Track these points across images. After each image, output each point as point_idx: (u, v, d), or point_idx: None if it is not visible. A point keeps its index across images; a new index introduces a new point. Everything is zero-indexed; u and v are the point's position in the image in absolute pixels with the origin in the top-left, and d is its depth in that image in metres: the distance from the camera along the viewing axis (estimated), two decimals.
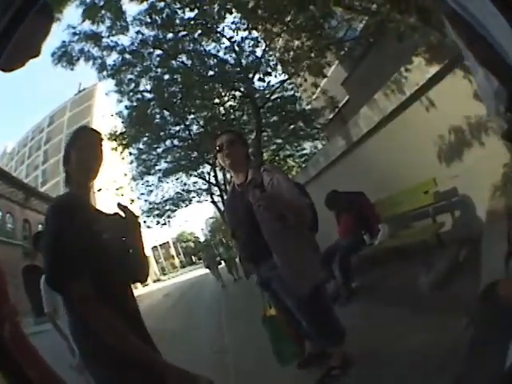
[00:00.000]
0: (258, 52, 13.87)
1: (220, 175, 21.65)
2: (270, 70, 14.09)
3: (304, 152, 21.30)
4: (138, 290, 36.32)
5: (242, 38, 13.71)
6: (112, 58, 13.03)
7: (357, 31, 11.24)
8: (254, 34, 13.48)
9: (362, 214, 7.23)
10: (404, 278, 5.56)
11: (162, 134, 18.11)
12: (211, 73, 13.83)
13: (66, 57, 11.84)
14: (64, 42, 11.78)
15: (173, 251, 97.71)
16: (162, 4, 11.46)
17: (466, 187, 5.97)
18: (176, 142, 19.45)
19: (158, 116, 16.69)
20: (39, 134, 61.18)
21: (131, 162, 22.13)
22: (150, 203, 23.68)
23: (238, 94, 14.75)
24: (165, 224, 23.92)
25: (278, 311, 3.69)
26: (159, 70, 13.73)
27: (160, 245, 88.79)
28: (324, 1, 7.92)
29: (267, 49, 13.61)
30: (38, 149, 58.77)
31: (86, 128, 2.35)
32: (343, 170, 9.99)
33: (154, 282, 55.89)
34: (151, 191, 23.18)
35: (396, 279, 5.99)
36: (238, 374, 4.74)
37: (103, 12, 11.10)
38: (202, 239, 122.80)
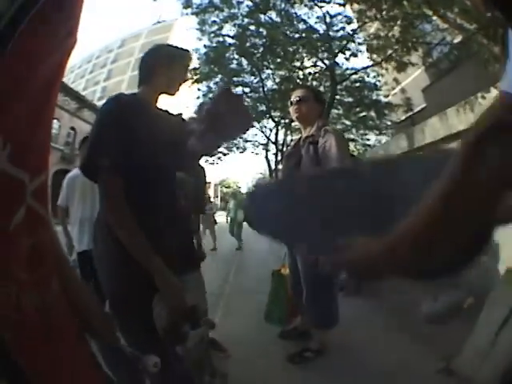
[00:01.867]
0: (348, 30, 13.52)
1: (281, 135, 21.64)
2: (356, 52, 13.76)
3: (367, 142, 21.02)
4: None
5: (335, 13, 13.39)
6: None
7: (448, 46, 10.93)
8: (348, 12, 13.20)
9: None
10: (411, 295, 5.56)
11: (234, 79, 18.14)
12: (297, 36, 13.61)
13: None
14: None
15: (211, 192, 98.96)
16: None
17: (501, 236, 5.79)
18: (247, 90, 19.37)
19: (235, 62, 16.71)
20: (107, 53, 62.00)
21: (197, 98, 22.38)
22: None
23: (319, 63, 14.53)
24: (212, 164, 24.16)
25: (290, 273, 3.78)
26: (246, 19, 13.55)
27: None
28: (418, 1, 7.71)
29: (358, 30, 13.27)
30: (103, 66, 59.72)
31: (188, 52, 2.28)
32: None
33: None
34: None
35: (404, 293, 5.99)
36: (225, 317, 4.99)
37: None
38: (244, 190, 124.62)
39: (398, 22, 9.78)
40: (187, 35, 20.82)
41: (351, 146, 22.10)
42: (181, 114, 2.29)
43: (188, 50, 2.29)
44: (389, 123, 18.43)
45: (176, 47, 2.26)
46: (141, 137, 1.85)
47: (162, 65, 2.12)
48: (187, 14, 13.44)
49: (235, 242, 12.99)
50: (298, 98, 3.48)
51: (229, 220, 14.01)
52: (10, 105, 0.86)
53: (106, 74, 58.48)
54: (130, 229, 1.77)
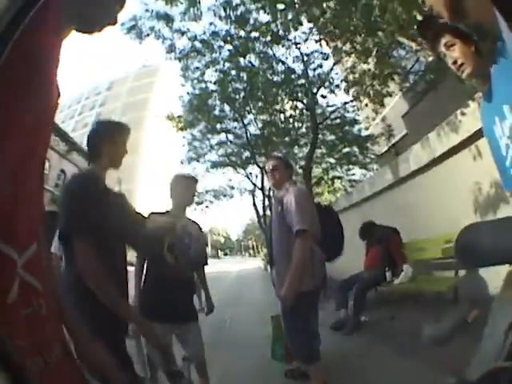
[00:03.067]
0: (326, 67, 13.83)
1: (267, 180, 21.78)
2: (334, 88, 14.06)
3: (353, 177, 21.25)
4: None
5: (311, 50, 13.78)
6: (181, 43, 13.13)
7: (423, 66, 11.22)
8: (324, 49, 13.46)
9: (390, 250, 7.25)
10: (410, 323, 5.55)
11: (218, 126, 18.38)
12: (277, 78, 13.75)
13: (135, 30, 11.81)
14: (135, 15, 11.80)
15: None
16: (237, 0, 11.37)
17: None
18: (231, 137, 19.72)
19: (217, 108, 16.82)
20: (95, 95, 63.14)
21: (183, 146, 22.55)
22: None
23: (299, 105, 14.75)
24: (202, 211, 24.25)
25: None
26: (227, 64, 13.69)
27: None
28: (391, 29, 7.95)
29: (335, 66, 13.55)
30: (92, 109, 60.74)
31: (125, 126, 2.78)
32: (385, 203, 9.98)
33: None
34: None
35: (403, 323, 5.99)
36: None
37: None
38: (233, 238, 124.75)
39: (373, 53, 10.02)
40: (171, 81, 21.28)
41: (337, 183, 22.33)
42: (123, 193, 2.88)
43: (125, 125, 2.81)
44: (372, 156, 18.67)
45: (115, 123, 2.81)
46: (103, 210, 2.27)
47: (103, 145, 2.61)
48: (171, 58, 13.46)
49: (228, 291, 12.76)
50: (270, 168, 4.02)
51: None
52: None
53: (94, 116, 59.37)
54: (105, 286, 2.16)
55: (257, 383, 4.43)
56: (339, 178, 21.88)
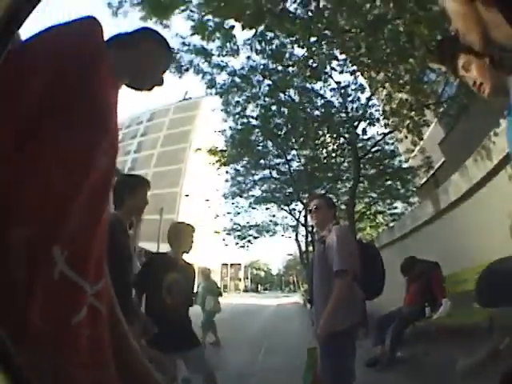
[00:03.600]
0: (363, 99, 13.89)
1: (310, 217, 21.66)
2: (373, 120, 14.10)
3: (395, 211, 20.97)
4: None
5: (348, 82, 13.81)
6: (221, 77, 13.15)
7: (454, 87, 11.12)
8: (360, 80, 13.59)
9: (431, 286, 7.15)
10: (444, 359, 5.46)
11: (261, 162, 18.62)
12: (317, 113, 13.94)
13: (174, 64, 11.75)
14: (173, 48, 11.74)
15: (241, 274, 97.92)
16: (271, 34, 11.32)
17: None
18: (274, 173, 19.80)
19: (260, 144, 17.03)
20: (137, 125, 64.38)
21: (226, 181, 22.78)
22: (235, 224, 24.39)
23: (341, 139, 14.84)
24: (243, 247, 24.52)
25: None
26: (267, 99, 13.84)
27: (231, 264, 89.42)
28: (421, 54, 7.98)
29: (371, 97, 13.59)
30: (133, 137, 61.89)
31: (146, 181, 3.36)
32: (426, 237, 9.82)
33: None
34: (239, 213, 23.78)
35: (437, 358, 5.89)
36: None
37: (212, 30, 10.91)
38: (274, 272, 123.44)
39: (406, 81, 10.02)
40: (213, 115, 21.48)
41: (379, 218, 22.08)
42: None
43: (146, 180, 3.39)
44: (413, 189, 18.46)
45: (137, 177, 3.39)
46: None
47: (125, 197, 3.10)
48: (211, 93, 13.68)
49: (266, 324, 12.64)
50: (313, 207, 4.02)
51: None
52: (65, 220, 1.05)
53: (135, 145, 60.48)
54: None
55: None
56: (381, 212, 21.76)
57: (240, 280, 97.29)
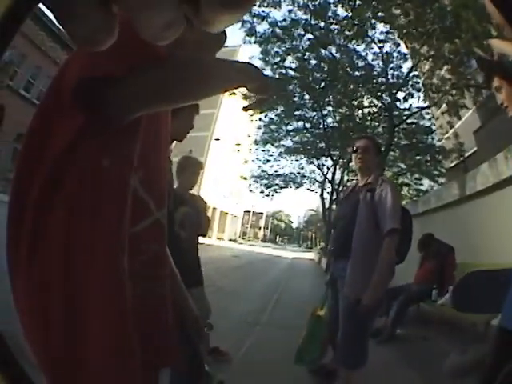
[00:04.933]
0: (405, 69, 13.64)
1: (338, 174, 21.63)
2: (413, 91, 13.80)
3: (421, 187, 20.80)
4: (211, 240, 37.80)
5: (390, 49, 13.51)
6: (262, 27, 13.08)
7: None
8: (403, 49, 13.26)
9: (443, 268, 7.08)
10: (440, 349, 5.46)
11: (296, 113, 18.38)
12: (357, 73, 13.68)
13: None
14: None
15: (262, 223, 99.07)
16: None
17: None
18: (308, 125, 19.58)
19: (297, 95, 16.75)
20: None
21: (259, 127, 22.73)
22: (263, 171, 24.51)
23: (378, 103, 14.62)
24: (267, 196, 24.67)
25: (329, 313, 3.84)
26: (307, 53, 13.60)
27: (253, 212, 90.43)
28: (467, 38, 7.69)
29: (414, 68, 13.26)
30: None
31: (199, 162, 4.07)
32: (447, 218, 9.72)
33: (230, 240, 57.10)
34: (268, 161, 23.74)
35: (433, 346, 5.91)
36: (251, 351, 5.02)
37: None
38: (294, 225, 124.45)
39: (449, 60, 9.74)
40: (251, 62, 21.14)
41: (405, 190, 21.85)
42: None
43: (199, 161, 4.07)
44: (442, 170, 18.25)
45: (193, 159, 4.07)
46: None
47: (178, 173, 3.78)
48: (250, 42, 13.58)
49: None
50: (361, 149, 3.63)
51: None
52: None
53: None
54: None
55: (282, 364, 4.35)
56: (408, 185, 21.42)
57: (260, 229, 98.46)
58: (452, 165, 17.03)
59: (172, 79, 0.99)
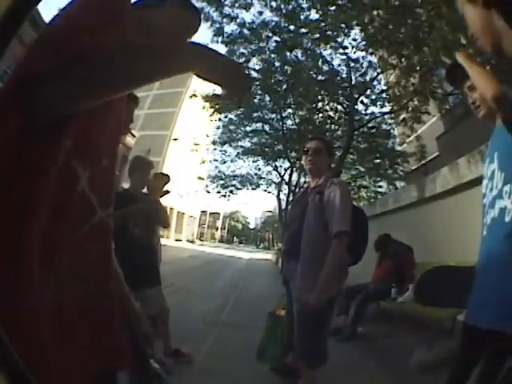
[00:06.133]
0: (369, 75, 13.86)
1: (295, 176, 21.79)
2: (376, 97, 14.09)
3: (379, 190, 21.15)
4: (169, 240, 37.49)
5: (358, 56, 13.74)
6: (230, 28, 13.07)
7: None
8: (370, 58, 13.49)
9: (401, 268, 7.24)
10: (403, 345, 5.57)
11: (256, 114, 18.44)
12: (321, 77, 13.79)
13: None
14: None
15: (219, 224, 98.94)
16: None
17: None
18: (267, 127, 19.68)
19: (258, 97, 16.73)
20: None
21: (218, 128, 22.67)
22: (219, 172, 24.41)
23: (339, 107, 14.79)
24: (224, 196, 24.48)
25: (285, 312, 3.84)
26: (273, 55, 13.68)
27: (210, 212, 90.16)
28: (437, 47, 7.91)
29: (379, 77, 13.66)
30: None
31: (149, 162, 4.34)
32: (405, 220, 9.95)
33: (188, 241, 56.87)
34: (225, 162, 23.74)
35: (396, 342, 6.01)
36: (211, 352, 5.02)
37: None
38: (252, 226, 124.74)
39: (417, 68, 9.97)
40: None
41: (363, 192, 22.30)
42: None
43: (149, 161, 4.30)
44: (401, 173, 18.58)
45: (143, 159, 4.40)
46: None
47: (130, 173, 4.04)
48: (217, 41, 13.41)
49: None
50: (312, 149, 3.60)
51: None
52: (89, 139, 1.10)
53: None
54: None
55: (243, 364, 4.39)
56: (366, 187, 21.84)
57: (217, 229, 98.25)
58: (413, 168, 17.44)
59: (109, 68, 0.97)
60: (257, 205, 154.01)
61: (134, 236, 3.67)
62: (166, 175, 4.08)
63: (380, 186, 21.10)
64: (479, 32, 1.41)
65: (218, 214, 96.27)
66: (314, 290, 3.09)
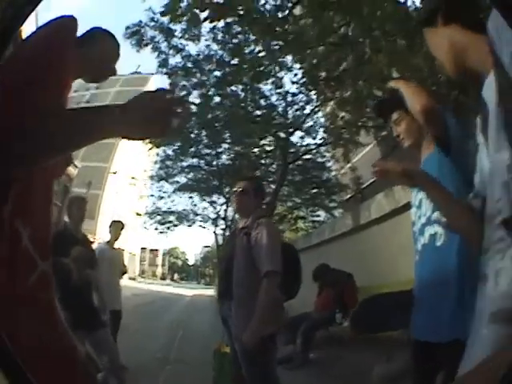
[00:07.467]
0: (307, 110, 14.18)
1: (230, 211, 21.80)
2: (311, 130, 14.55)
3: (317, 219, 21.18)
4: None
5: (297, 91, 13.83)
6: (175, 60, 13.12)
7: None
8: (309, 92, 13.56)
9: (343, 294, 7.46)
10: (359, 363, 5.67)
11: (192, 149, 18.25)
12: (258, 113, 14.08)
13: (137, 36, 11.64)
14: (141, 22, 11.64)
15: (159, 261, 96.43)
16: (239, 29, 11.14)
17: None
18: (202, 163, 19.61)
19: (194, 132, 16.60)
20: (84, 90, 62.17)
21: (155, 162, 22.42)
22: (157, 208, 23.92)
23: (274, 142, 15.09)
24: (162, 233, 24.45)
25: (230, 349, 3.80)
26: (213, 89, 13.77)
27: (150, 249, 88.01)
28: (371, 81, 8.18)
29: (316, 109, 13.93)
30: (78, 104, 59.63)
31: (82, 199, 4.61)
32: (343, 248, 10.21)
33: (130, 278, 55.06)
34: (162, 197, 23.21)
35: (351, 363, 6.10)
36: None
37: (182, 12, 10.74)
38: (191, 262, 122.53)
39: (352, 99, 10.23)
40: None
41: (300, 223, 22.50)
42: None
43: (82, 197, 4.79)
44: (336, 203, 19.00)
45: (77, 196, 5.44)
46: None
47: (68, 212, 4.26)
48: (161, 72, 13.51)
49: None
50: (239, 190, 3.66)
51: None
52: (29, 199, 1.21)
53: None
54: None
55: None
56: (303, 218, 22.00)
57: (157, 266, 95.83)
58: (348, 196, 17.87)
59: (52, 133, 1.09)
60: (195, 241, 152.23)
61: (75, 279, 3.67)
62: (121, 222, 4.27)
63: (318, 216, 21.19)
64: (444, 57, 1.45)
65: (158, 250, 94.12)
66: (247, 330, 3.13)
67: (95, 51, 1.65)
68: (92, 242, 4.72)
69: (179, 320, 12.96)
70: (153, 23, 11.76)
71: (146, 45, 12.09)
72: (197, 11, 8.96)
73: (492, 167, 1.22)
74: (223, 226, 23.12)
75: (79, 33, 1.49)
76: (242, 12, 9.34)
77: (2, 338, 0.84)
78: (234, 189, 3.77)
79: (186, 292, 39.14)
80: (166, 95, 1.23)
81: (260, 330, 3.12)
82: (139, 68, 62.04)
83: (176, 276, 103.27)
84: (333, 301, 7.49)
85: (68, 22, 1.40)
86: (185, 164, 20.35)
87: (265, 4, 9.79)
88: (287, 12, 9.66)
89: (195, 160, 19.56)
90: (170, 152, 19.69)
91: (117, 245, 5.45)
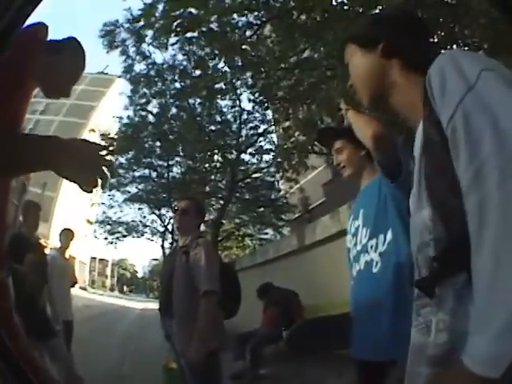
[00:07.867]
0: (261, 129, 14.45)
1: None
2: (262, 150, 14.70)
3: (265, 237, 21.37)
4: None
5: (253, 109, 14.01)
6: (140, 66, 13.12)
7: None
8: (264, 112, 13.93)
9: (289, 312, 7.59)
10: (313, 379, 5.70)
11: (144, 160, 18.21)
12: (212, 127, 14.19)
13: (109, 37, 11.66)
14: (117, 21, 11.63)
15: (108, 271, 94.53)
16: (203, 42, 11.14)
17: None
18: (154, 174, 19.52)
19: (149, 142, 16.70)
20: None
21: (108, 170, 21.97)
22: (107, 217, 23.59)
23: (224, 158, 15.16)
24: (111, 243, 23.90)
25: (177, 364, 3.79)
26: (171, 100, 13.91)
27: (99, 259, 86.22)
28: (323, 106, 8.30)
29: (269, 129, 14.21)
30: (43, 97, 58.01)
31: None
32: (288, 267, 10.32)
33: (81, 288, 53.70)
34: (112, 206, 22.99)
35: (301, 379, 6.18)
36: None
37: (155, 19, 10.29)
38: (140, 274, 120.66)
39: (304, 123, 10.30)
40: (119, 99, 20.80)
41: (248, 241, 22.62)
42: None
43: (35, 203, 4.75)
44: (284, 222, 19.20)
45: (31, 202, 4.45)
46: None
47: (23, 218, 4.14)
48: (125, 78, 13.68)
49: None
50: (181, 209, 3.71)
51: None
52: None
53: (43, 106, 56.07)
54: None
55: None
56: (250, 235, 22.05)
57: (107, 277, 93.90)
58: (296, 216, 18.01)
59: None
60: (143, 253, 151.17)
61: (28, 288, 3.63)
62: (71, 230, 4.25)
63: (265, 233, 21.31)
64: (364, 81, 1.34)
65: (107, 261, 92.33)
66: (190, 348, 3.15)
67: (64, 64, 1.63)
68: (45, 247, 4.68)
69: (130, 333, 12.74)
70: (127, 25, 11.68)
71: (117, 47, 12.11)
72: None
73: (412, 225, 1.19)
74: (171, 240, 22.83)
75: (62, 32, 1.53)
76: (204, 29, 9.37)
77: (3, 338, 0.89)
78: (176, 208, 3.82)
79: (135, 305, 38.66)
80: (100, 150, 1.30)
81: (202, 347, 3.14)
82: (106, 69, 60.64)
83: (125, 288, 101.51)
84: (278, 318, 7.56)
85: (38, 29, 1.41)
86: (137, 174, 20.18)
87: (237, 22, 9.85)
88: (254, 31, 9.68)
89: (147, 171, 19.47)
90: (123, 160, 19.37)
91: (68, 253, 5.36)
